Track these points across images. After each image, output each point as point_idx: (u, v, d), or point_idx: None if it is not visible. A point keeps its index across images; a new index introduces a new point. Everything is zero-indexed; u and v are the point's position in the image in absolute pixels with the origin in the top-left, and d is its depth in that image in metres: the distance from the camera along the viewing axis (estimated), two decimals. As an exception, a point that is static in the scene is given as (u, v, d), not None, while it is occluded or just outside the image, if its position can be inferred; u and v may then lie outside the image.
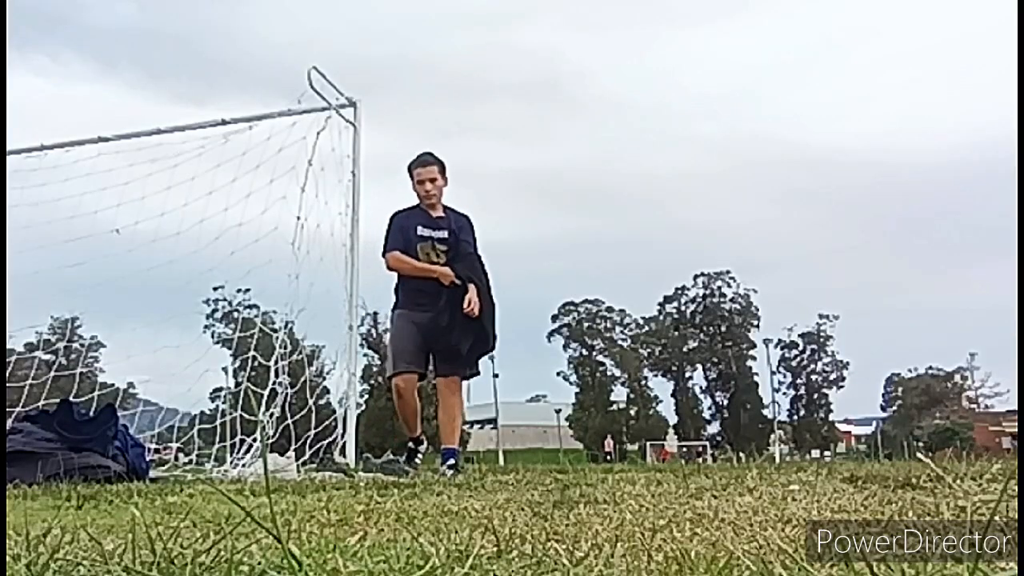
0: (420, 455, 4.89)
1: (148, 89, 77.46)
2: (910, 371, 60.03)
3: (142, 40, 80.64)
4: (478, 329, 4.60)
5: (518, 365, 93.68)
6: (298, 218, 5.33)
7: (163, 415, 6.81)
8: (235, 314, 44.30)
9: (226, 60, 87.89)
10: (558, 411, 56.29)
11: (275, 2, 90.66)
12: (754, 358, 58.46)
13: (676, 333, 59.36)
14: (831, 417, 58.57)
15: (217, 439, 5.47)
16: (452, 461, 4.65)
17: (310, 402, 5.55)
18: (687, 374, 59.09)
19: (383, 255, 4.68)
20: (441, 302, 4.54)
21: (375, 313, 55.86)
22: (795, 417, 57.94)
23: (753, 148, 75.41)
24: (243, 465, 4.72)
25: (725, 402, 57.99)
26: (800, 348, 58.71)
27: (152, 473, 3.97)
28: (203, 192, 5.87)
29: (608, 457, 36.99)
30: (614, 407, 56.76)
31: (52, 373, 6.58)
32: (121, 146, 6.22)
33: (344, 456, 4.98)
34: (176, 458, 6.01)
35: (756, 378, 57.80)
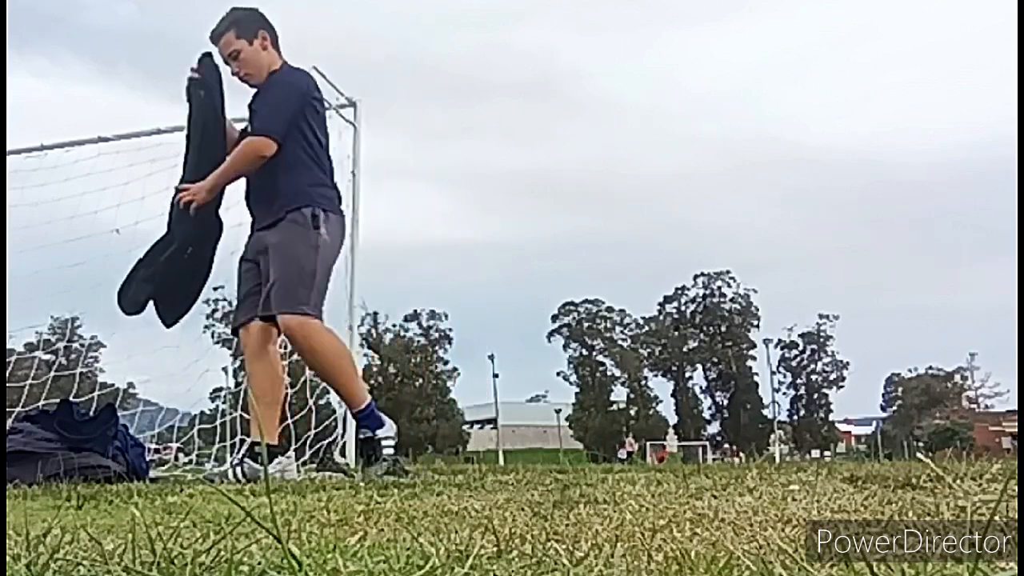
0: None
1: (147, 90, 77.55)
2: (910, 371, 60.14)
3: (141, 41, 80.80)
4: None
5: (518, 365, 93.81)
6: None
7: (163, 415, 6.80)
8: (235, 314, 44.13)
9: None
10: (558, 411, 56.32)
11: (273, 4, 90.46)
12: (754, 358, 58.56)
13: (676, 333, 59.40)
14: (831, 417, 58.66)
15: (217, 439, 5.47)
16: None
17: (310, 402, 5.55)
18: (687, 374, 59.15)
19: None
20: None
21: (375, 313, 56.08)
22: (795, 417, 57.98)
23: (753, 148, 75.48)
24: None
25: (725, 402, 58.03)
26: (800, 348, 58.77)
27: (152, 473, 3.97)
28: None
29: (629, 457, 36.29)
30: (614, 407, 56.80)
31: (52, 373, 6.58)
32: (121, 146, 6.22)
33: (344, 456, 4.98)
34: (176, 458, 6.00)
35: (756, 378, 57.88)
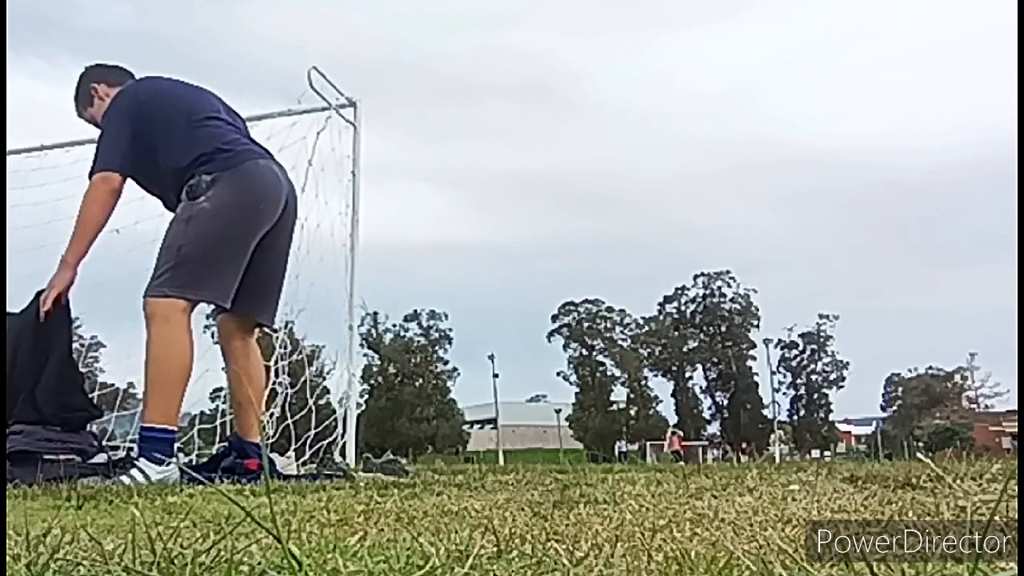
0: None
1: (147, 90, 77.43)
2: (910, 371, 60.16)
3: (138, 42, 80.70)
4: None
5: (518, 365, 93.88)
6: (298, 218, 5.32)
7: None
8: (235, 314, 44.08)
9: (222, 63, 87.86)
10: (558, 411, 56.32)
11: (270, 5, 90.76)
12: (754, 358, 58.57)
13: (676, 333, 59.40)
14: (831, 417, 58.67)
15: (217, 439, 5.46)
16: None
17: (310, 402, 5.54)
18: (687, 374, 59.16)
19: None
20: None
21: (375, 313, 56.12)
22: (795, 417, 57.99)
23: (752, 149, 75.52)
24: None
25: (725, 402, 58.05)
26: (800, 348, 58.78)
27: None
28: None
29: (678, 456, 35.35)
30: (614, 407, 56.81)
31: (52, 373, 6.57)
32: (121, 146, 6.21)
33: (344, 456, 4.98)
34: (176, 458, 5.99)
35: (756, 378, 57.89)
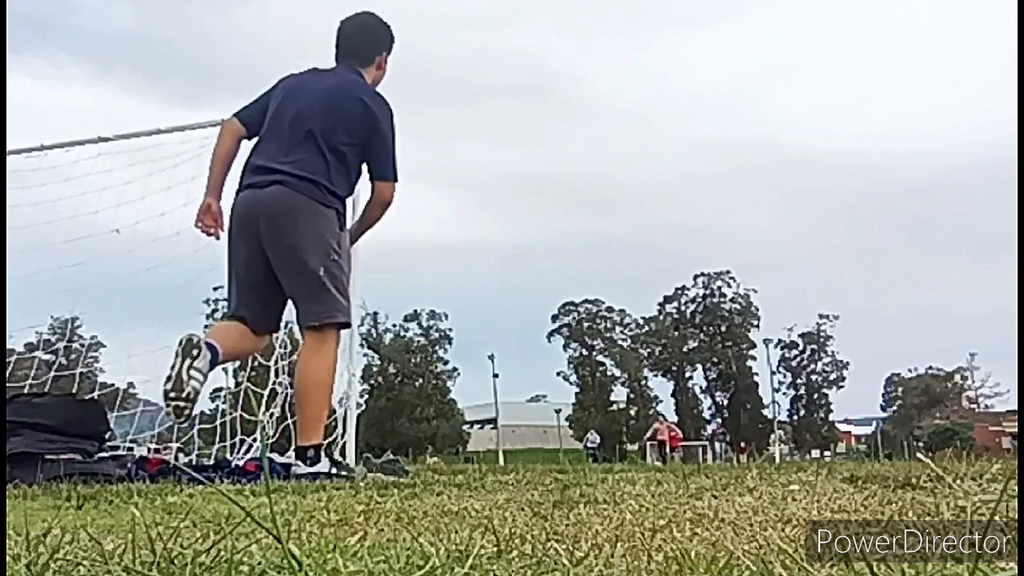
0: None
1: (143, 92, 77.66)
2: (910, 371, 60.22)
3: (136, 43, 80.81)
4: None
5: (518, 365, 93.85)
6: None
7: (163, 415, 6.79)
8: (235, 314, 44.07)
9: (221, 64, 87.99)
10: (558, 411, 56.32)
11: (269, 6, 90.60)
12: (754, 358, 58.59)
13: (676, 333, 59.43)
14: (831, 417, 58.70)
15: (217, 439, 5.47)
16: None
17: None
18: (687, 374, 59.19)
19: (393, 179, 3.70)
20: None
21: (375, 313, 56.12)
22: (795, 417, 58.00)
23: (752, 149, 75.54)
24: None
25: (725, 402, 58.06)
26: (800, 348, 58.79)
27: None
28: (203, 192, 5.86)
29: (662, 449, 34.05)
30: (614, 407, 56.82)
31: (52, 373, 6.58)
32: (121, 146, 6.21)
33: (344, 456, 4.98)
34: (176, 458, 6.00)
35: (756, 378, 57.91)
